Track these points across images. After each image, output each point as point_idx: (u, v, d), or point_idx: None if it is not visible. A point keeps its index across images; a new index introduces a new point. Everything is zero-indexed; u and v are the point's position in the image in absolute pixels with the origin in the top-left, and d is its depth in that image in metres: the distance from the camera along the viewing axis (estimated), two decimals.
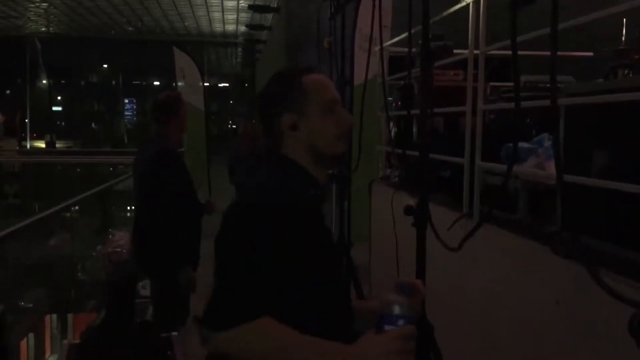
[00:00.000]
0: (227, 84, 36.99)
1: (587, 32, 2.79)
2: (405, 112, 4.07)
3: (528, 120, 3.41)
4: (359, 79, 4.76)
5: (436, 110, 3.19)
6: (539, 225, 2.41)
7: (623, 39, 3.42)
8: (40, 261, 5.14)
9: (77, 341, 2.60)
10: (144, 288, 4.03)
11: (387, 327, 1.22)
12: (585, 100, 2.05)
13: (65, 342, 2.58)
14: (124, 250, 3.34)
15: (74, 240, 5.60)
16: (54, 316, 7.38)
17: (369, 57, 3.37)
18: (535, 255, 2.18)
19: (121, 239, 3.76)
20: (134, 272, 3.27)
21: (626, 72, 2.42)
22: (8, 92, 33.90)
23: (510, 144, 2.76)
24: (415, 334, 1.23)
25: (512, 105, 2.86)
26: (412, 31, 3.38)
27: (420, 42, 2.93)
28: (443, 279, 2.69)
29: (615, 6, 1.86)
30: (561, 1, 1.33)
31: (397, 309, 1.22)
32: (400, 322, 1.21)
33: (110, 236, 4.33)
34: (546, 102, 2.05)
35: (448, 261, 2.69)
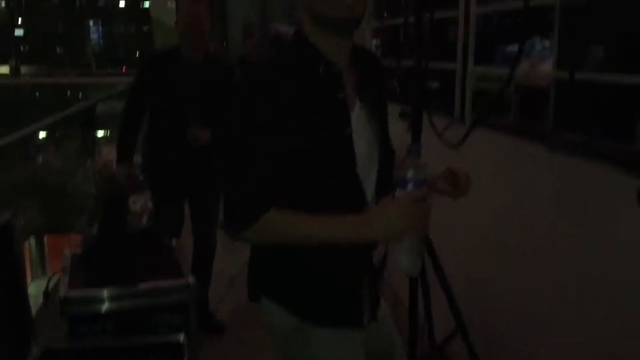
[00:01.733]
0: None
1: None
2: (394, 22, 4.01)
3: (519, 20, 3.39)
4: None
5: (427, 16, 3.15)
6: (532, 126, 2.47)
7: None
8: (29, 179, 5.09)
9: (78, 251, 2.63)
10: (134, 204, 4.06)
11: (397, 192, 1.24)
12: None
13: (66, 251, 2.61)
14: (113, 165, 3.32)
15: (62, 156, 5.53)
16: (32, 239, 7.35)
17: None
18: (529, 154, 2.24)
19: (109, 153, 3.73)
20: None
21: None
22: None
23: (505, 47, 2.78)
24: (424, 195, 1.27)
25: (509, 6, 2.86)
26: None
27: None
28: None
29: None
30: None
31: (407, 173, 1.24)
32: (410, 185, 1.24)
33: (98, 152, 4.31)
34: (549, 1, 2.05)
35: (442, 166, 2.75)
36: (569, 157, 1.98)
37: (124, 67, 28.51)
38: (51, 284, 2.65)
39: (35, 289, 3.32)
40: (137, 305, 2.22)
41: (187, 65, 2.98)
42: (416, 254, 1.32)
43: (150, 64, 3.12)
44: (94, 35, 35.71)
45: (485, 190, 2.62)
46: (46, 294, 2.56)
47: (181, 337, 2.04)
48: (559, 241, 2.06)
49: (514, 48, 2.74)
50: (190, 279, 2.33)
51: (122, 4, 34.89)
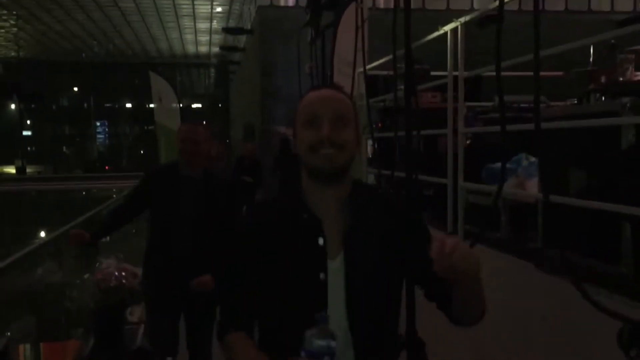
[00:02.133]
0: (199, 105, 36.95)
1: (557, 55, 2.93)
2: (389, 134, 4.17)
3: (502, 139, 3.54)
4: None
5: (421, 132, 3.29)
6: (522, 242, 2.52)
7: (591, 59, 3.58)
8: (28, 290, 5.09)
9: None
10: (132, 314, 4.03)
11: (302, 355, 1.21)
12: (566, 124, 2.17)
13: None
14: (113, 278, 3.34)
15: (61, 268, 5.55)
16: (27, 346, 7.21)
17: (353, 80, 3.47)
18: (520, 271, 2.28)
19: (109, 266, 3.75)
20: (124, 298, 3.28)
21: (598, 96, 2.56)
22: None
23: (491, 165, 2.88)
24: None
25: (495, 128, 2.98)
26: (388, 58, 3.50)
27: (399, 65, 3.05)
28: None
29: (589, 38, 1.99)
30: (519, 18, 1.44)
31: (311, 342, 1.21)
32: (303, 354, 1.21)
33: (98, 264, 4.32)
34: (530, 126, 2.16)
35: None
36: (557, 276, 2.02)
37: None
38: None
39: None
40: None
41: (186, 180, 3.07)
42: None
43: (152, 179, 3.21)
44: (100, 136, 36.64)
45: None
46: None
47: None
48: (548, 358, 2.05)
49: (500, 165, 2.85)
50: None
51: (128, 105, 36.03)
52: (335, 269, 1.39)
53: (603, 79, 2.69)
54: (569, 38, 2.22)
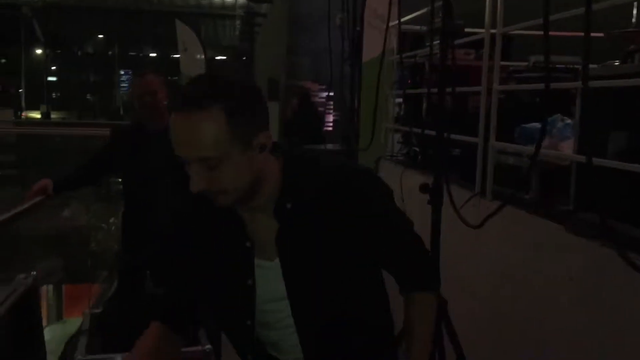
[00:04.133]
0: (224, 57, 36.76)
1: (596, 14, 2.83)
2: (420, 90, 4.09)
3: (537, 99, 3.45)
4: (367, 55, 4.79)
5: (452, 89, 3.22)
6: (551, 205, 2.47)
7: (633, 20, 3.45)
8: (55, 232, 5.19)
9: (98, 310, 2.66)
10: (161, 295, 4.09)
11: None
12: (610, 83, 2.11)
13: (86, 311, 2.64)
14: None
15: (87, 212, 5.65)
16: (50, 287, 7.39)
17: (386, 33, 3.39)
18: (549, 233, 2.25)
19: None
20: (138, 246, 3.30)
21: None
22: (3, 61, 33.54)
23: (525, 125, 2.81)
24: None
25: (535, 86, 2.91)
26: (425, 10, 3.40)
27: (432, 21, 2.97)
28: (455, 256, 2.76)
29: None
30: None
31: None
32: None
33: (123, 209, 4.37)
34: (577, 84, 2.10)
35: (461, 239, 2.76)
36: (589, 240, 1.99)
37: None
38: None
39: (49, 334, 3.32)
40: None
41: (154, 137, 2.87)
42: None
43: (119, 141, 3.12)
44: (123, 84, 36.73)
45: (502, 265, 2.62)
46: (64, 354, 2.58)
47: None
48: (576, 324, 2.04)
49: (534, 125, 2.79)
50: (207, 347, 2.33)
51: (152, 54, 35.93)
52: (274, 270, 1.27)
53: None
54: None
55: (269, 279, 1.27)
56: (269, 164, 1.22)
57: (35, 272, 1.95)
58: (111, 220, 4.67)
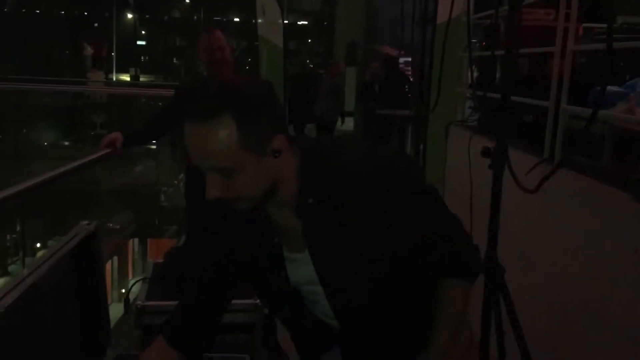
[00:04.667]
0: (305, 22, 36.72)
1: None
2: (489, 53, 3.93)
3: (622, 64, 3.23)
4: (442, 16, 4.63)
5: (521, 50, 3.07)
6: (623, 173, 2.33)
7: None
8: (126, 187, 5.43)
9: (161, 260, 2.77)
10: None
11: None
12: None
13: (150, 260, 2.76)
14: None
15: (157, 168, 5.86)
16: (136, 240, 7.79)
17: None
18: (615, 202, 2.12)
19: None
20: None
21: None
22: (96, 25, 35.01)
23: (599, 88, 2.64)
24: None
25: (603, 45, 2.72)
26: None
27: None
28: (517, 223, 2.67)
29: None
30: None
31: None
32: None
33: None
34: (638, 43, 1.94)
35: (524, 205, 2.66)
36: None
37: None
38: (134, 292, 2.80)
39: (135, 288, 3.47)
40: None
41: None
42: None
43: (185, 93, 3.22)
44: None
45: (564, 234, 2.51)
46: (126, 301, 2.71)
47: (246, 359, 2.08)
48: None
49: (611, 89, 2.62)
50: (258, 300, 2.38)
51: (236, 19, 36.42)
52: (306, 261, 1.28)
53: None
54: None
55: (301, 269, 1.30)
56: (286, 166, 1.20)
57: (96, 221, 2.03)
58: (180, 176, 4.81)
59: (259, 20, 10.95)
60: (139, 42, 35.48)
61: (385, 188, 1.21)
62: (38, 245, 9.13)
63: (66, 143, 13.66)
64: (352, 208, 1.21)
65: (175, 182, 4.90)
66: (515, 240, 2.62)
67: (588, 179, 2.35)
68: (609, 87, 2.63)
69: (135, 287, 2.68)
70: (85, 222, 1.98)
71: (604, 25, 3.81)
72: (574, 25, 2.62)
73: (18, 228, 8.02)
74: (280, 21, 10.80)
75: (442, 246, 1.32)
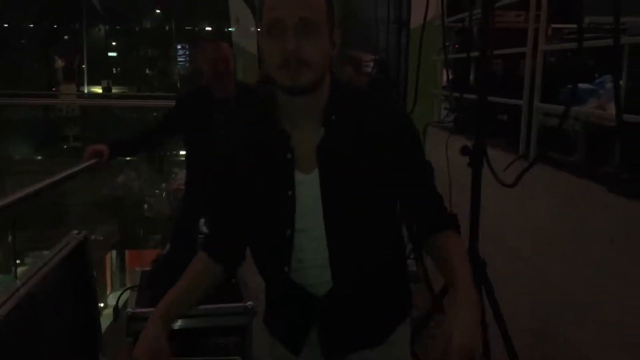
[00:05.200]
0: None
1: None
2: (463, 55, 4.02)
3: (591, 62, 3.33)
4: (416, 21, 4.72)
5: (495, 52, 3.16)
6: (596, 167, 2.42)
7: None
8: (109, 198, 5.40)
9: (148, 268, 2.79)
10: (205, 225, 4.23)
11: None
12: None
13: (137, 268, 2.77)
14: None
15: (140, 178, 5.85)
16: (114, 252, 7.69)
17: None
18: (589, 194, 2.20)
19: (184, 177, 3.92)
20: (197, 208, 3.42)
21: None
22: (66, 37, 34.62)
23: (570, 86, 2.74)
24: None
25: (573, 45, 2.81)
26: None
27: None
28: (496, 218, 2.74)
29: None
30: None
31: None
32: None
33: (174, 175, 4.54)
34: (608, 42, 2.03)
35: (501, 201, 2.74)
36: (630, 200, 1.95)
37: None
38: (122, 300, 2.81)
39: (113, 300, 3.48)
40: (196, 326, 2.32)
41: (222, 105, 2.97)
42: None
43: (185, 105, 3.18)
44: (180, 59, 37.30)
45: (542, 227, 2.59)
46: (116, 309, 2.72)
47: None
48: (618, 284, 2.01)
49: (582, 86, 2.71)
50: (250, 303, 2.41)
51: (208, 28, 36.31)
52: (311, 184, 1.32)
53: None
54: None
55: (306, 191, 1.33)
56: (328, 69, 1.31)
57: (85, 231, 2.05)
58: (162, 185, 4.82)
59: (233, 29, 10.94)
60: (110, 54, 35.19)
61: (398, 124, 1.34)
62: (17, 261, 8.98)
63: (39, 157, 13.49)
64: (365, 136, 1.31)
65: (157, 191, 4.90)
66: (495, 234, 2.70)
67: (563, 173, 2.43)
68: (580, 85, 2.73)
69: (123, 295, 2.70)
70: (75, 231, 2.00)
71: (573, 26, 3.94)
72: (544, 26, 2.71)
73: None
74: (254, 29, 10.81)
75: (432, 198, 1.41)
